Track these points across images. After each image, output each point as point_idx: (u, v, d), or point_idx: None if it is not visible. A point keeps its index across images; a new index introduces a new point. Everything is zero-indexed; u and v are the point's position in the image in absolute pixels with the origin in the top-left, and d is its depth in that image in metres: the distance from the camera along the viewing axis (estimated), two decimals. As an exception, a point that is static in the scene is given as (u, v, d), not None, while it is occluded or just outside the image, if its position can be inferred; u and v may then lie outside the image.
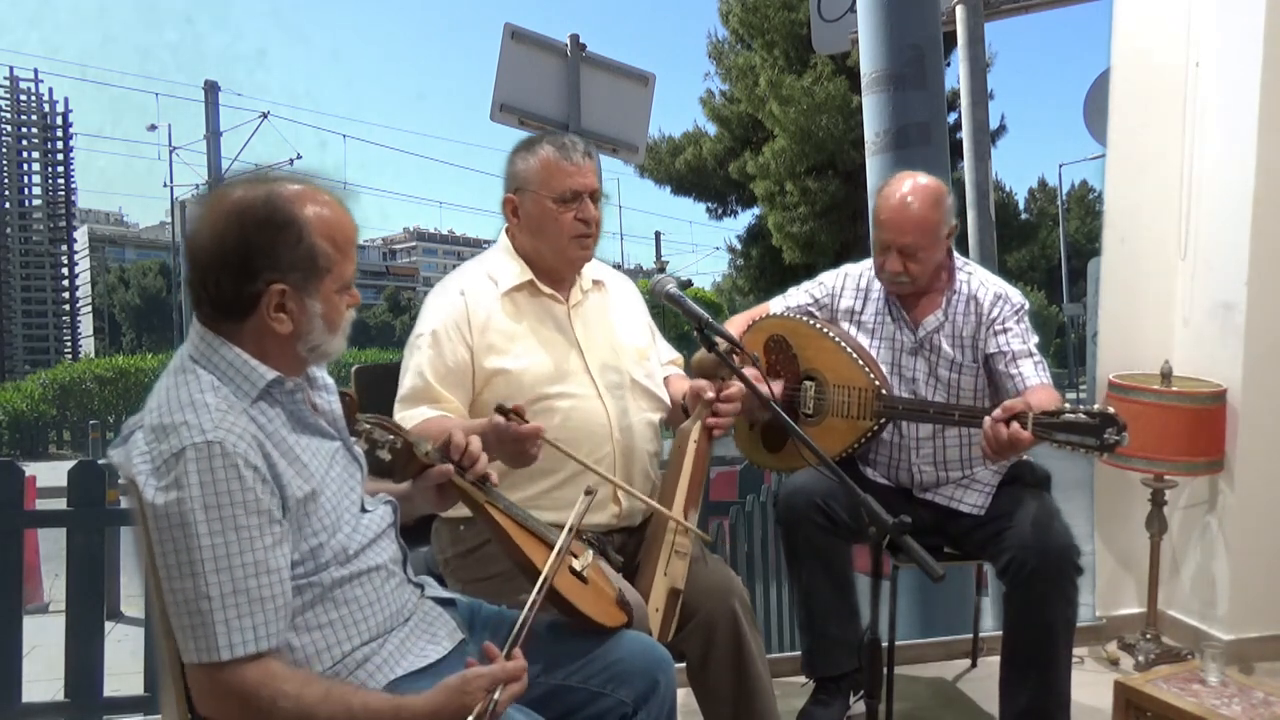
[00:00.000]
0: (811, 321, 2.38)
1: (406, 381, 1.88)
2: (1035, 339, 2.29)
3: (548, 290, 1.97)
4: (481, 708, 1.20)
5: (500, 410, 1.67)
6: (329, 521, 1.32)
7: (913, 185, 2.22)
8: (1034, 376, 2.21)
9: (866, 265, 2.42)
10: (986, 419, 1.98)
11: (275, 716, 1.21)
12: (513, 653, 1.28)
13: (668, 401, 2.07)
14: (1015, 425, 1.94)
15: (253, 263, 1.27)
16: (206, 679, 1.21)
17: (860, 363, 2.26)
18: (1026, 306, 2.30)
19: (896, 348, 2.32)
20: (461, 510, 1.60)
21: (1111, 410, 1.97)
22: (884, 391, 2.23)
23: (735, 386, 1.95)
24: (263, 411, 1.30)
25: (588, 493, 1.60)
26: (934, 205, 2.21)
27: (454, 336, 1.87)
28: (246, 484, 1.21)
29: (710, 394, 1.94)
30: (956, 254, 2.34)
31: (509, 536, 1.52)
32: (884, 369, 2.30)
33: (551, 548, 1.51)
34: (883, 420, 2.25)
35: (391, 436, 1.46)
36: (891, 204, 2.22)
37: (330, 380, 1.48)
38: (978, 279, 2.32)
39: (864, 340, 2.34)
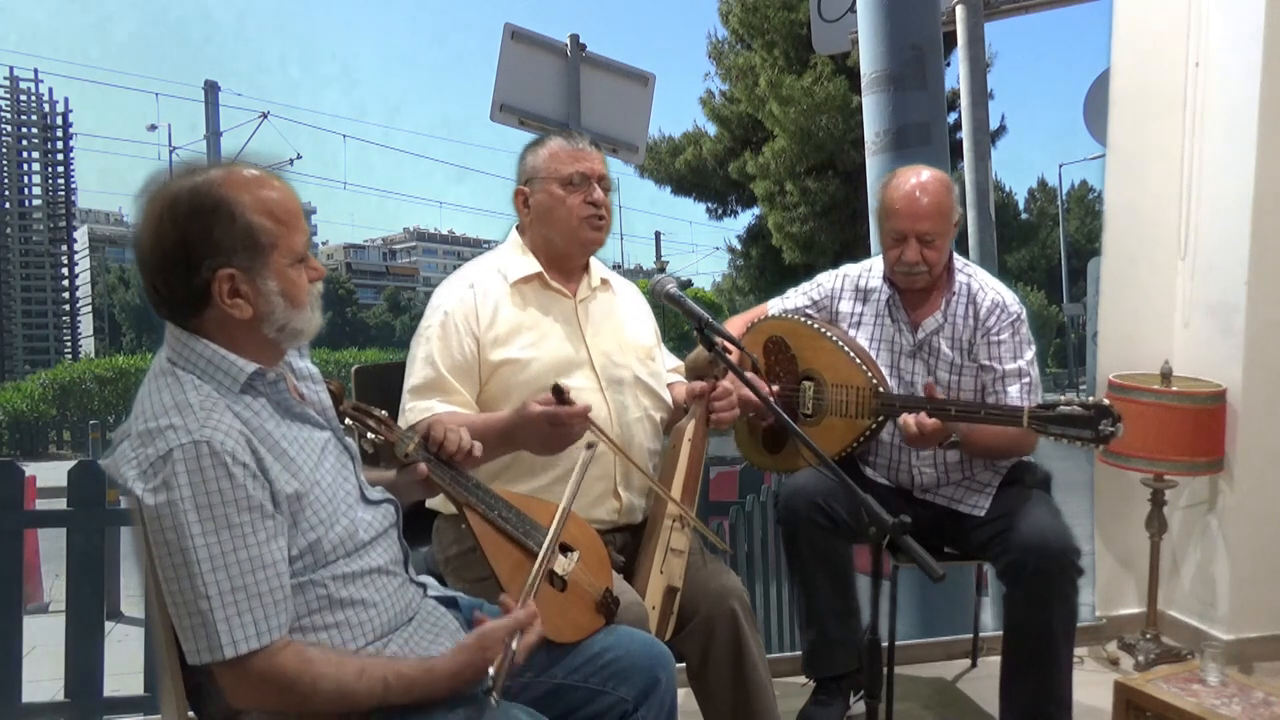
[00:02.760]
0: (809, 322, 2.38)
1: (417, 372, 1.88)
2: (1031, 350, 2.29)
3: (556, 284, 1.98)
4: (501, 658, 1.25)
5: (555, 390, 1.68)
6: (325, 514, 1.32)
7: (923, 174, 2.25)
8: (1017, 401, 2.23)
9: (865, 266, 2.42)
10: (905, 417, 2.10)
11: (319, 696, 1.23)
12: (527, 603, 1.33)
13: (670, 402, 2.07)
14: (920, 415, 2.09)
15: (193, 253, 1.25)
16: (240, 672, 1.21)
17: (858, 362, 2.26)
18: (1023, 314, 2.30)
19: (895, 350, 2.32)
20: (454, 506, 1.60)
21: (1106, 402, 1.99)
22: (881, 390, 2.23)
23: (725, 383, 1.96)
24: (247, 405, 1.29)
25: (589, 446, 1.60)
26: (946, 190, 2.24)
27: (462, 328, 1.88)
28: (236, 481, 1.21)
29: (703, 387, 1.96)
30: (956, 254, 2.34)
31: (483, 548, 1.52)
32: (883, 371, 2.30)
33: (529, 553, 1.51)
34: (881, 418, 2.25)
35: (371, 435, 1.45)
36: (903, 193, 2.22)
37: (315, 369, 1.47)
38: (977, 281, 2.32)
39: (862, 342, 2.34)
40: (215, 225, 1.25)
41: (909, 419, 2.10)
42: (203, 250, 1.25)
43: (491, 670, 1.24)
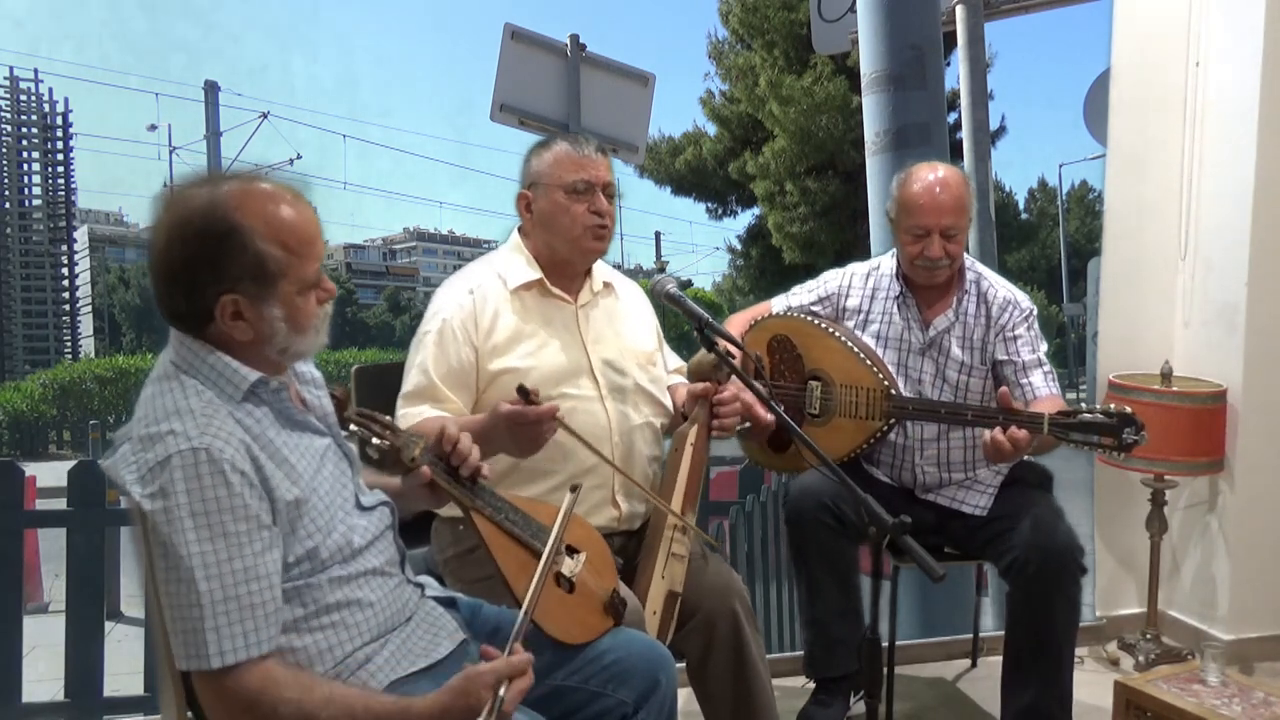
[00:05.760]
0: (816, 321, 2.37)
1: (410, 378, 1.87)
2: (1044, 346, 2.31)
3: (557, 291, 1.97)
4: (490, 705, 1.19)
5: (520, 390, 1.66)
6: (322, 522, 1.31)
7: (940, 170, 2.24)
8: (1044, 387, 2.24)
9: (874, 264, 2.41)
10: (987, 432, 2.02)
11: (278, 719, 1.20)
12: (514, 648, 1.26)
13: (670, 408, 2.07)
14: (1013, 428, 1.99)
15: (198, 277, 1.24)
16: (209, 685, 1.21)
17: (868, 363, 2.26)
18: (1034, 311, 2.30)
19: (904, 348, 2.32)
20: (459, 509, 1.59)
21: (1129, 410, 1.98)
22: (893, 392, 2.23)
23: (730, 389, 1.95)
24: (249, 413, 1.29)
25: (573, 489, 1.58)
26: (964, 185, 2.25)
27: (460, 336, 1.87)
28: (234, 490, 1.20)
29: (704, 387, 1.94)
30: (965, 253, 2.34)
31: (490, 549, 1.50)
32: (890, 369, 2.29)
33: (537, 555, 1.49)
34: (892, 421, 2.25)
35: (377, 440, 1.45)
36: (924, 188, 2.21)
37: (318, 374, 1.46)
38: (987, 281, 2.32)
39: (869, 340, 2.33)
40: (223, 254, 1.23)
41: (998, 435, 2.00)
42: (207, 276, 1.24)
43: (481, 718, 1.18)
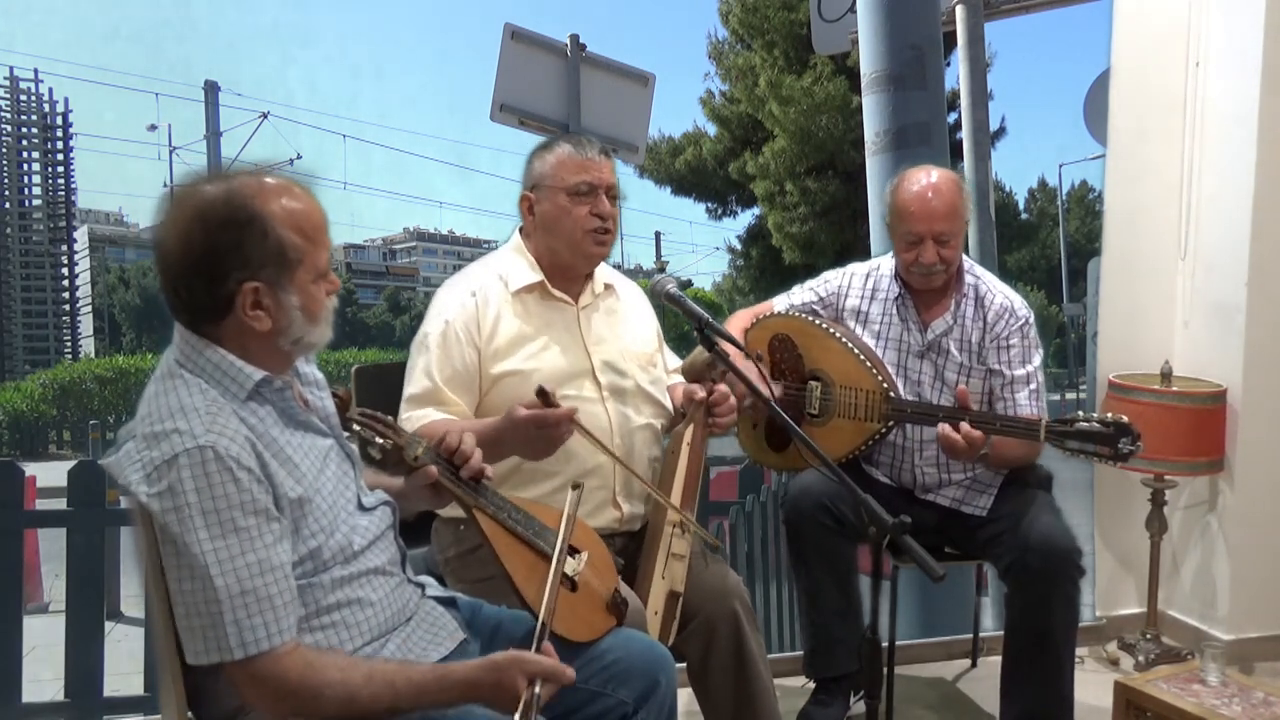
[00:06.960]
0: (817, 321, 2.37)
1: (415, 381, 1.87)
2: (1039, 356, 2.29)
3: (558, 293, 1.96)
4: (527, 696, 1.22)
5: (539, 392, 1.66)
6: (325, 523, 1.32)
7: (933, 175, 2.23)
8: (1027, 407, 2.24)
9: (874, 265, 2.41)
10: (944, 428, 2.06)
11: (323, 702, 1.22)
12: (547, 648, 1.30)
13: (671, 408, 2.07)
14: (965, 426, 2.04)
15: (221, 264, 1.25)
16: (247, 673, 1.21)
17: (868, 364, 2.26)
18: (1031, 319, 2.30)
19: (903, 349, 2.32)
20: (462, 510, 1.59)
21: (1126, 419, 1.98)
22: (892, 395, 2.23)
23: (722, 388, 1.95)
24: (253, 411, 1.29)
25: (574, 487, 1.58)
26: (958, 189, 2.23)
27: (463, 338, 1.86)
28: (242, 485, 1.21)
29: (701, 394, 1.94)
30: (964, 255, 2.34)
31: (495, 550, 1.50)
32: (889, 370, 2.29)
33: (542, 555, 1.50)
34: (890, 423, 2.25)
35: (381, 440, 1.45)
36: (916, 194, 2.21)
37: (320, 376, 1.47)
38: (985, 284, 2.31)
39: (869, 341, 2.33)
40: (247, 239, 1.25)
41: (948, 430, 2.06)
42: (231, 262, 1.25)
43: (517, 717, 1.21)
